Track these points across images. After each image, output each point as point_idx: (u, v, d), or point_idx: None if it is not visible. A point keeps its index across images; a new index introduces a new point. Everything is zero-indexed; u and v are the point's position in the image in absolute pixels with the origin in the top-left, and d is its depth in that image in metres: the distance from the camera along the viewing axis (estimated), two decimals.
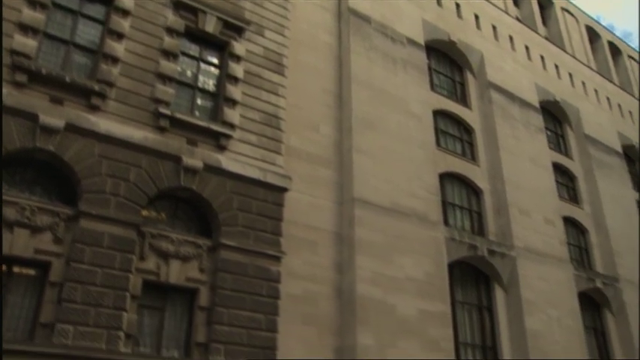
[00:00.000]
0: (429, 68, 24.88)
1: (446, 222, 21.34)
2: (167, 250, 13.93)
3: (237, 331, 14.18)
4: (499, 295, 21.73)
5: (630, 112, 37.06)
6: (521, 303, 21.26)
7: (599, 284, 26.20)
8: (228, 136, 15.65)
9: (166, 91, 15.13)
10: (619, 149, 32.97)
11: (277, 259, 15.30)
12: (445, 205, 21.99)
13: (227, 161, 15.36)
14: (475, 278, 21.89)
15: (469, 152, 24.57)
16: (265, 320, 14.65)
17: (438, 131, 23.53)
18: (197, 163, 14.76)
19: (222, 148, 15.50)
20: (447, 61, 26.75)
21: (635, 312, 26.60)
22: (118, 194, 13.51)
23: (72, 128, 13.35)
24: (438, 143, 22.96)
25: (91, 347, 12.03)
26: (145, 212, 14.02)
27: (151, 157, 14.29)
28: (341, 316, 16.34)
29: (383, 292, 16.75)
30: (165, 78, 15.29)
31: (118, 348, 12.33)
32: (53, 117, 13.11)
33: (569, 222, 27.51)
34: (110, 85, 14.36)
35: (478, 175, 23.83)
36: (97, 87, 14.05)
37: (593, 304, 26.47)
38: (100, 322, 12.29)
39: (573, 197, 28.99)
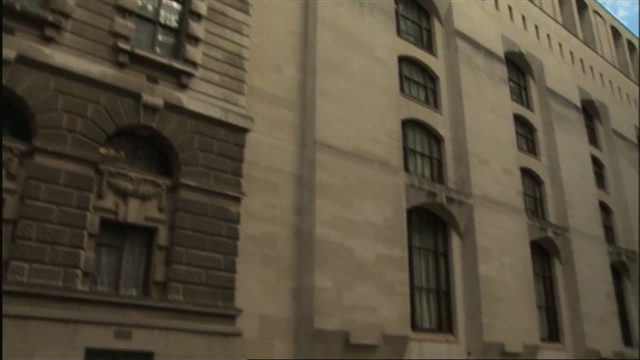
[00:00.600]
0: (397, 13, 24.79)
1: (406, 168, 21.89)
2: (126, 189, 13.95)
3: (196, 270, 14.51)
4: (455, 242, 22.71)
5: (591, 68, 38.06)
6: (476, 250, 22.29)
7: (550, 234, 27.62)
8: (189, 75, 15.48)
9: (126, 25, 14.73)
10: (578, 104, 34.03)
11: (237, 200, 15.54)
12: (406, 151, 22.51)
13: (188, 100, 15.27)
14: (433, 225, 22.75)
15: (432, 100, 24.97)
16: (224, 260, 15.01)
17: (402, 77, 23.73)
18: (157, 101, 14.63)
19: (183, 87, 15.36)
20: (414, 7, 26.69)
21: (581, 260, 28.27)
22: (75, 130, 13.32)
23: (24, 60, 12.93)
24: (401, 89, 23.21)
25: (47, 285, 12.10)
26: (103, 150, 13.93)
27: (110, 94, 14.06)
28: (299, 258, 16.83)
29: (342, 236, 17.27)
30: (124, 11, 14.83)
31: (75, 286, 12.46)
32: (4, 47, 12.66)
33: (527, 173, 28.60)
34: (65, 15, 13.85)
35: (440, 122, 24.35)
36: (50, 17, 13.54)
37: (544, 253, 27.96)
38: (57, 260, 12.35)
39: (532, 149, 30.03)
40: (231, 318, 14.91)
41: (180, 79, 15.31)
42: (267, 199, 16.77)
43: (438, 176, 23.55)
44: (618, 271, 32.95)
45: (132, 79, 14.50)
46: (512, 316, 22.39)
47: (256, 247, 16.08)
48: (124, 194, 13.91)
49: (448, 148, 24.08)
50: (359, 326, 16.76)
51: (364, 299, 17.23)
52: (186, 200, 14.65)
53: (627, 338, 31.29)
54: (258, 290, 15.81)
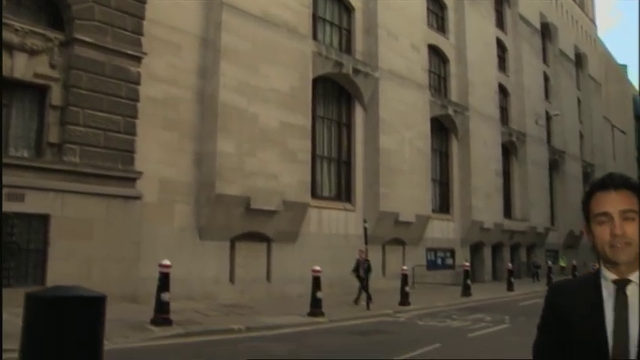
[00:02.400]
0: None
1: (315, 36, 22.28)
2: (10, 41, 13.41)
3: (94, 132, 14.66)
4: (358, 113, 24.03)
5: None
6: (378, 122, 23.79)
7: (450, 111, 29.77)
8: None
9: None
10: None
11: (137, 59, 15.45)
12: (316, 19, 22.77)
13: None
14: (337, 95, 23.80)
15: None
16: (124, 123, 15.23)
17: None
18: None
19: None
20: None
21: (476, 138, 30.99)
22: None
23: None
24: None
25: None
26: None
27: None
28: (202, 122, 17.32)
29: (246, 102, 17.81)
30: None
31: None
32: None
33: (434, 50, 29.96)
34: None
35: None
36: None
37: (442, 129, 30.28)
38: None
39: (441, 27, 31.18)
40: (131, 181, 15.48)
41: None
42: (170, 60, 16.75)
43: (346, 47, 24.21)
44: (507, 150, 36.53)
45: None
46: (408, 188, 24.68)
47: (157, 109, 16.30)
48: (8, 47, 13.38)
49: (358, 18, 24.55)
50: (260, 192, 17.93)
51: (266, 166, 18.28)
52: (81, 57, 14.37)
53: (507, 211, 35.58)
54: (159, 154, 16.29)
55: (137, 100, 15.53)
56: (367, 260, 17.08)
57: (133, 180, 15.53)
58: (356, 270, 17.24)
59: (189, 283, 16.26)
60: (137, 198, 15.49)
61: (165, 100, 16.53)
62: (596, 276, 1.90)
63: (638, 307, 1.77)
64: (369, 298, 16.49)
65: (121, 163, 15.16)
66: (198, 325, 11.92)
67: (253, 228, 18.25)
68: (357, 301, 16.95)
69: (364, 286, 16.79)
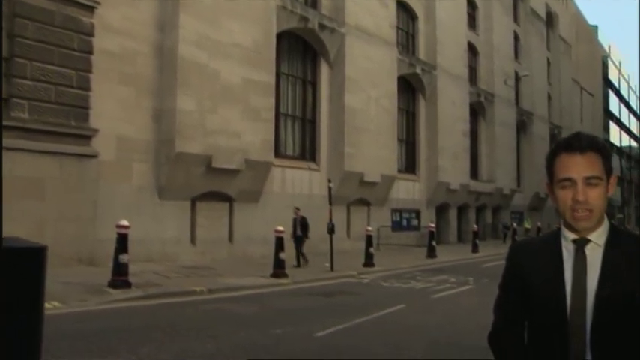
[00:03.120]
0: None
1: None
2: None
3: (44, 86, 14.20)
4: (324, 70, 23.84)
5: None
6: (344, 80, 23.67)
7: (418, 70, 29.79)
8: None
9: None
10: None
11: (90, 9, 14.89)
12: None
13: None
14: (302, 52, 23.52)
15: None
16: (77, 77, 14.78)
17: None
18: None
19: None
20: None
21: (444, 97, 31.19)
22: None
23: None
24: None
25: None
26: None
27: None
28: (161, 77, 16.91)
29: (207, 57, 17.44)
30: None
31: None
32: None
33: (402, 6, 29.70)
34: None
35: None
36: None
37: (410, 88, 30.37)
38: None
39: None
40: (86, 139, 15.13)
41: None
42: (126, 11, 16.18)
43: (312, 1, 23.82)
44: (475, 111, 36.94)
45: None
46: (374, 147, 24.81)
47: (113, 63, 15.84)
48: None
49: None
50: (222, 151, 17.78)
51: (228, 123, 18.08)
52: (26, 4, 13.76)
53: (474, 172, 36.25)
54: (116, 110, 15.92)
55: (91, 52, 15.06)
56: (303, 218, 17.21)
57: (88, 137, 15.19)
58: (293, 231, 17.21)
59: (148, 245, 16.17)
60: (93, 156, 15.19)
61: (121, 54, 16.06)
62: (557, 235, 1.95)
63: (599, 267, 1.82)
64: (302, 258, 16.89)
65: (74, 120, 14.78)
66: (158, 287, 11.91)
67: (215, 187, 18.16)
68: (300, 263, 17.06)
69: (299, 246, 17.07)
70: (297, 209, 17.59)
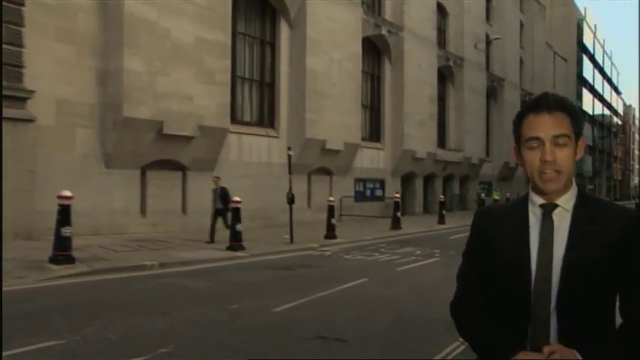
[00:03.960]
0: None
1: None
2: None
3: None
4: (284, 31, 23.54)
5: None
6: (305, 42, 23.43)
7: (384, 31, 29.71)
8: None
9: None
10: None
11: None
12: None
13: None
14: (261, 10, 23.13)
15: None
16: (7, 31, 14.18)
17: None
18: None
19: None
20: None
21: (410, 61, 31.26)
22: None
23: None
24: None
25: None
26: None
27: None
28: (105, 35, 16.40)
29: (156, 13, 16.97)
30: None
31: None
32: None
33: None
34: None
35: None
36: None
37: (375, 51, 30.31)
38: None
39: None
40: (20, 101, 14.62)
41: None
42: None
43: None
44: (443, 75, 37.19)
45: None
46: (336, 113, 24.78)
47: (50, 18, 15.26)
48: None
49: None
50: (174, 116, 17.48)
51: (180, 86, 17.74)
52: None
53: (441, 140, 36.67)
54: (55, 70, 15.42)
55: (22, 4, 14.47)
56: (223, 189, 16.22)
57: (23, 100, 14.70)
58: (213, 204, 16.25)
59: (94, 217, 15.93)
60: (29, 121, 14.74)
61: (59, 7, 15.48)
62: (524, 200, 1.97)
63: (567, 232, 1.85)
64: (212, 232, 15.68)
65: (5, 80, 14.23)
66: (105, 262, 11.75)
67: (167, 155, 17.91)
68: (213, 238, 15.67)
69: (214, 220, 15.94)
70: (217, 178, 16.63)
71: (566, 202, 1.88)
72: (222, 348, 6.23)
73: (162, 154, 17.76)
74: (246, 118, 22.38)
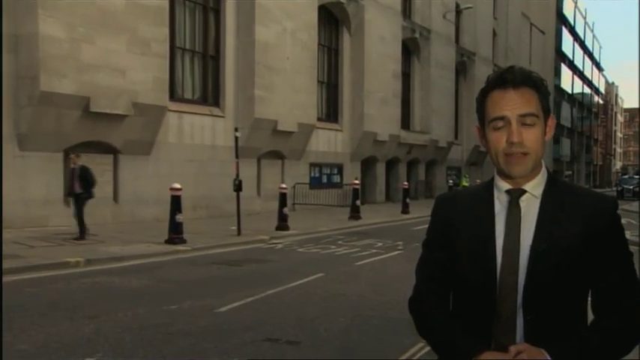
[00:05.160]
0: None
1: None
2: None
3: None
4: None
5: None
6: (254, 9, 23.17)
7: None
8: None
9: None
10: None
11: None
12: None
13: None
14: None
15: None
16: None
17: None
18: None
19: None
20: None
21: (372, 32, 31.34)
22: None
23: None
24: None
25: None
26: None
27: None
28: None
29: None
30: None
31: None
32: None
33: None
34: None
35: None
36: None
37: (332, 20, 30.31)
38: None
39: None
40: None
41: None
42: None
43: None
44: (409, 49, 37.45)
45: None
46: (289, 90, 24.70)
47: None
48: None
49: None
50: (103, 91, 17.07)
51: (110, 57, 17.32)
52: None
53: (406, 122, 37.00)
54: None
55: None
56: (84, 168, 14.64)
57: None
58: (70, 187, 14.87)
59: (6, 207, 15.47)
60: None
61: None
62: (489, 186, 1.99)
63: (535, 220, 1.88)
64: (80, 228, 14.51)
65: None
66: (20, 259, 11.45)
67: (95, 136, 17.55)
68: (82, 235, 14.46)
69: (78, 210, 14.62)
70: (75, 156, 14.94)
71: (535, 187, 1.91)
72: (158, 355, 6.17)
73: (90, 134, 17.39)
74: (188, 95, 22.11)
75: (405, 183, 29.20)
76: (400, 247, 15.36)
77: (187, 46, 22.25)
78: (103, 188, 18.22)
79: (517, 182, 1.90)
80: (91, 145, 17.64)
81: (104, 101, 17.20)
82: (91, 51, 16.86)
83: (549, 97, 1.95)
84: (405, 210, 26.02)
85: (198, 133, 21.63)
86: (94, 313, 7.71)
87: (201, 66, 22.80)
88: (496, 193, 1.95)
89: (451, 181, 38.06)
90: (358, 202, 22.91)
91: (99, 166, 18.08)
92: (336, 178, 30.01)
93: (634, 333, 1.87)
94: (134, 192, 18.90)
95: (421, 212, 25.32)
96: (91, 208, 17.28)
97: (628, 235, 16.22)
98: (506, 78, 1.87)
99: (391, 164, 35.51)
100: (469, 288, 1.92)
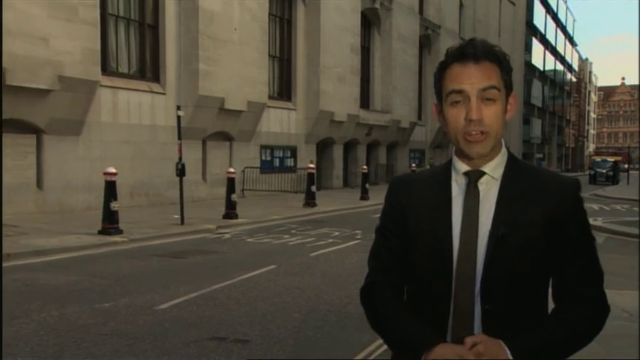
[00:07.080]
0: None
1: None
2: None
3: None
4: None
5: None
6: None
7: None
8: None
9: None
10: None
11: None
12: None
13: None
14: None
15: None
16: None
17: None
18: None
19: None
20: None
21: (328, 2, 31.31)
22: None
23: None
24: None
25: None
26: None
27: None
28: None
29: None
30: None
31: None
32: None
33: None
34: None
35: None
36: None
37: None
38: None
39: None
40: None
41: None
42: None
43: None
44: (368, 21, 37.53)
45: None
46: (238, 65, 24.54)
47: None
48: None
49: None
50: (22, 62, 16.62)
51: (29, 23, 16.76)
52: None
53: (365, 100, 37.14)
54: None
55: None
56: None
57: None
58: None
59: None
60: None
61: None
62: (447, 168, 2.04)
63: (494, 204, 1.93)
64: None
65: None
66: None
67: (14, 114, 17.08)
68: None
69: None
70: None
71: (494, 169, 1.96)
72: (88, 358, 6.13)
73: (9, 112, 16.93)
74: (123, 69, 21.77)
75: (365, 167, 29.34)
76: (359, 237, 15.51)
77: (122, 13, 21.85)
78: (24, 173, 17.94)
79: (475, 163, 1.95)
80: (9, 124, 17.19)
81: (23, 74, 16.73)
82: (6, 16, 16.38)
83: (512, 73, 2.00)
84: (365, 196, 26.20)
85: (135, 111, 21.35)
86: (15, 314, 7.53)
87: (138, 36, 22.46)
88: (454, 176, 2.00)
89: (414, 165, 38.43)
90: (313, 188, 22.97)
91: (19, 147, 17.79)
92: (290, 162, 30.01)
93: (598, 323, 1.94)
94: (61, 177, 18.56)
95: (381, 199, 24.84)
96: (10, 195, 17.00)
97: (591, 220, 16.64)
98: (467, 51, 1.91)
99: (349, 147, 35.66)
100: (424, 277, 1.97)
